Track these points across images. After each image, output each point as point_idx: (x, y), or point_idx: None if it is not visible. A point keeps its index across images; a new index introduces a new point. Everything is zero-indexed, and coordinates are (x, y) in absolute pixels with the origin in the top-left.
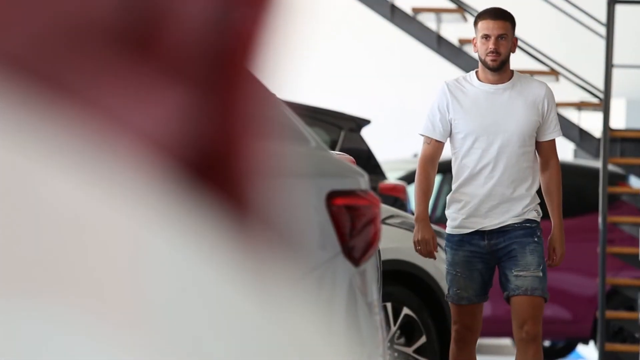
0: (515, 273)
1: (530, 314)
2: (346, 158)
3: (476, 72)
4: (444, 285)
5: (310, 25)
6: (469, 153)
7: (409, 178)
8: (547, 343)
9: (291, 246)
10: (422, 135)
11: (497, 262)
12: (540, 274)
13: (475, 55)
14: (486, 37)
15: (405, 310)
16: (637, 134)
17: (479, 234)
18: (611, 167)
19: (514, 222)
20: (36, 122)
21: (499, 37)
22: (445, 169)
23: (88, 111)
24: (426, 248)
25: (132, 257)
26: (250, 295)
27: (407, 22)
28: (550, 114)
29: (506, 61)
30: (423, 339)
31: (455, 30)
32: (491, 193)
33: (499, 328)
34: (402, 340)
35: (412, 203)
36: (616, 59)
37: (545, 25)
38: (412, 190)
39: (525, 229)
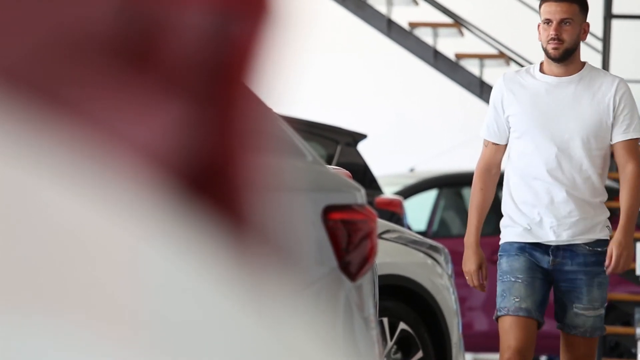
0: (576, 310)
1: (586, 353)
2: (342, 172)
3: (541, 64)
4: (441, 299)
5: (307, 39)
6: (525, 155)
7: (405, 193)
8: (543, 359)
9: (287, 260)
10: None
11: (556, 284)
12: (603, 311)
13: (474, 70)
14: (548, 22)
15: (402, 325)
16: None
17: (542, 247)
18: (608, 182)
19: (584, 242)
20: (34, 134)
21: (563, 22)
22: (442, 183)
23: (85, 123)
24: (472, 281)
25: (129, 271)
26: (247, 310)
27: (404, 37)
28: (624, 111)
29: (572, 50)
30: (420, 354)
31: (452, 44)
32: (552, 202)
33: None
34: (398, 355)
35: (409, 217)
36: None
37: None
38: (408, 205)
39: (597, 256)
